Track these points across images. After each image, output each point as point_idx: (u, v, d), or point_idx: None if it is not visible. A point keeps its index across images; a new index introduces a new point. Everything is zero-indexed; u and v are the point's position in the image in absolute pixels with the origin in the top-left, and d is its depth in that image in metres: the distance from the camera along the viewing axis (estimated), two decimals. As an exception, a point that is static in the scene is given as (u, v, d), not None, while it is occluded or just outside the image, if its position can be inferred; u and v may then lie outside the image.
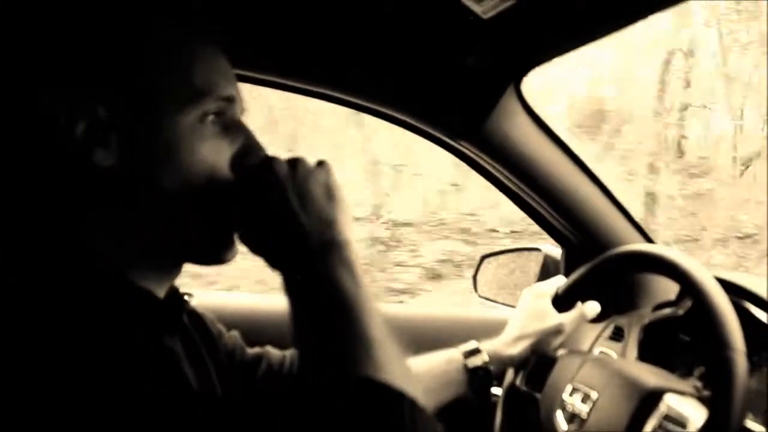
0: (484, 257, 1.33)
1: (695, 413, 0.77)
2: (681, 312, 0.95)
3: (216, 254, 0.61)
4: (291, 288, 0.56)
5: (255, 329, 0.86)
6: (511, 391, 1.02)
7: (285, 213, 0.57)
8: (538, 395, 0.98)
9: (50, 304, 0.48)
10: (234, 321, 0.82)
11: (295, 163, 0.59)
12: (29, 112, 0.53)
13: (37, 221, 0.55)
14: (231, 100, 0.59)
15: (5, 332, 0.46)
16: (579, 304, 0.99)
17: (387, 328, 0.53)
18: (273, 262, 0.58)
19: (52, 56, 0.53)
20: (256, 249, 0.59)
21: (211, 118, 0.57)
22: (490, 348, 0.95)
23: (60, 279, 0.51)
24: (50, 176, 0.54)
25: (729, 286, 0.85)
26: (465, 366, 0.93)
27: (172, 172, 0.55)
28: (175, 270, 0.62)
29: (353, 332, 0.51)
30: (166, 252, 0.59)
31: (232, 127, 0.60)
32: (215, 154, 0.57)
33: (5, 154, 0.55)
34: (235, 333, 0.81)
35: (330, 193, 0.59)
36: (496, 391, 1.05)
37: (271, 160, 0.59)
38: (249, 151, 0.60)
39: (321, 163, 0.62)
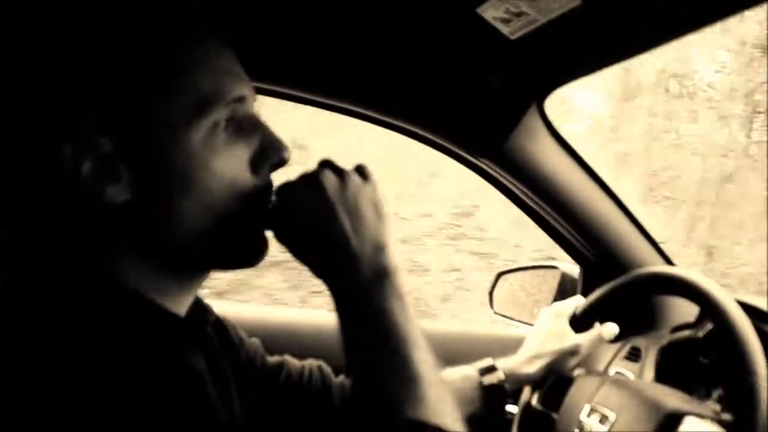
0: (500, 274, 1.33)
1: (715, 437, 0.76)
2: (700, 334, 0.95)
3: (246, 258, 0.59)
4: (342, 309, 0.54)
5: (273, 340, 0.86)
6: (528, 410, 1.02)
7: (336, 234, 0.55)
8: (554, 415, 0.98)
9: (69, 331, 0.47)
10: (252, 331, 0.82)
11: (343, 176, 0.57)
12: (32, 155, 0.51)
13: (53, 249, 0.54)
14: (242, 100, 0.56)
15: (25, 360, 0.45)
16: (597, 324, 0.99)
17: (433, 361, 0.52)
18: (320, 276, 0.57)
19: (47, 94, 0.50)
20: (301, 260, 0.57)
21: (222, 125, 0.54)
22: (506, 366, 0.95)
23: (79, 305, 0.50)
24: (64, 216, 0.52)
25: (750, 310, 0.85)
26: (480, 383, 0.92)
27: (190, 194, 0.53)
28: (200, 281, 0.61)
29: (405, 370, 0.50)
30: (188, 269, 0.58)
31: (247, 126, 0.57)
32: (232, 163, 0.55)
33: (17, 192, 0.53)
34: (255, 340, 0.81)
35: (379, 211, 0.58)
36: (512, 409, 1.05)
37: (317, 174, 0.57)
38: (268, 147, 0.57)
39: (364, 174, 0.59)
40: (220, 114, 0.54)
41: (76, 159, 0.50)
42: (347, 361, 0.53)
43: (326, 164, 0.59)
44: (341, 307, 0.55)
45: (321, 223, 0.56)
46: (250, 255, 0.59)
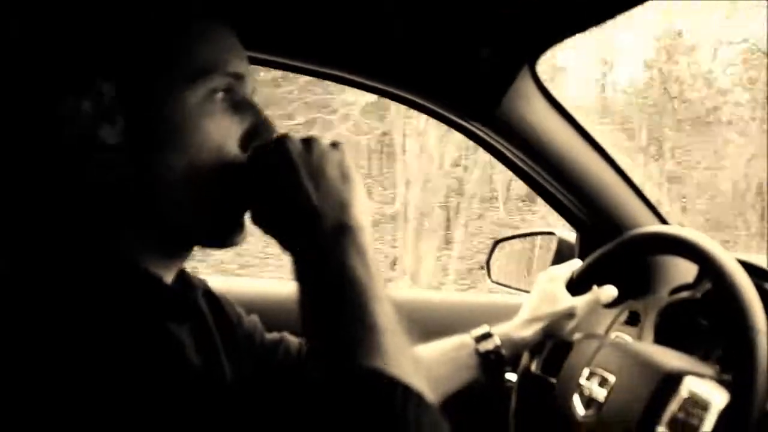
0: (497, 242, 1.32)
1: (716, 396, 0.75)
2: (699, 295, 0.94)
3: (225, 237, 0.60)
4: (301, 271, 0.54)
5: (273, 315, 0.85)
6: (526, 376, 1.01)
7: (298, 193, 0.55)
8: (553, 380, 0.97)
9: (51, 289, 0.47)
10: (252, 307, 0.81)
11: (309, 141, 0.58)
12: (34, 90, 0.53)
13: (40, 206, 0.55)
14: (240, 77, 0.58)
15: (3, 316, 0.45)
16: (594, 287, 0.98)
17: (397, 316, 0.51)
18: (284, 243, 0.56)
19: (57, 35, 0.53)
20: (267, 229, 0.57)
21: (219, 95, 0.56)
22: (501, 332, 0.94)
23: (63, 264, 0.50)
24: (55, 155, 0.54)
25: (750, 268, 0.84)
26: (477, 350, 0.92)
27: (179, 150, 0.54)
28: (183, 254, 0.61)
29: (362, 320, 0.49)
30: (173, 235, 0.58)
31: (242, 105, 0.59)
32: (224, 132, 0.56)
33: (11, 133, 0.54)
34: (254, 317, 0.81)
35: (345, 174, 0.57)
36: (511, 376, 1.04)
37: (284, 138, 0.57)
38: (259, 129, 0.59)
39: (335, 144, 0.60)
40: (218, 83, 0.56)
41: (77, 96, 0.52)
42: (302, 316, 0.52)
43: (285, 135, 0.59)
44: (300, 265, 0.54)
45: (284, 185, 0.55)
46: (226, 233, 0.60)
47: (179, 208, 0.56)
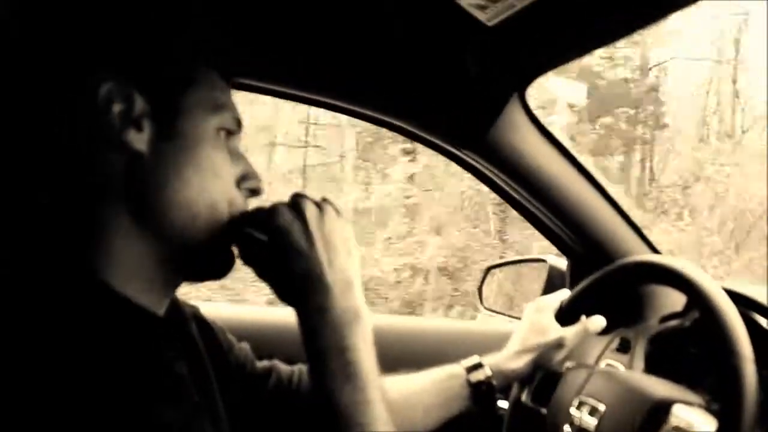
0: (489, 268, 1.32)
1: (704, 424, 0.75)
2: (688, 323, 0.95)
3: (217, 269, 0.62)
4: (311, 336, 0.59)
5: (263, 342, 0.85)
6: (517, 406, 1.01)
7: (314, 265, 0.59)
8: (544, 410, 0.97)
9: (46, 325, 0.47)
10: (242, 333, 0.81)
11: (322, 208, 0.61)
12: (69, 86, 0.54)
13: (39, 231, 0.55)
14: (239, 125, 0.62)
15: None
16: (583, 317, 0.98)
17: (382, 388, 0.59)
18: (286, 300, 0.60)
19: (98, 40, 0.55)
20: (270, 283, 0.61)
21: (223, 134, 0.60)
22: (492, 362, 0.95)
23: (58, 299, 0.50)
24: (70, 150, 0.54)
25: (737, 297, 0.84)
26: (468, 381, 0.92)
27: (192, 172, 0.56)
28: (177, 284, 0.62)
29: (358, 395, 0.57)
30: (170, 262, 0.58)
31: (234, 152, 0.62)
32: (226, 169, 0.60)
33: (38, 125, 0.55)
34: (245, 345, 0.81)
35: (349, 248, 0.61)
36: (503, 404, 1.04)
37: (301, 202, 0.61)
38: (249, 173, 0.63)
39: (336, 210, 0.63)
40: (226, 122, 0.60)
41: (109, 98, 0.54)
42: (312, 380, 0.59)
43: (303, 195, 0.63)
44: (310, 336, 0.59)
45: (300, 251, 0.59)
46: (220, 266, 0.62)
47: (182, 233, 0.57)
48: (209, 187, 0.58)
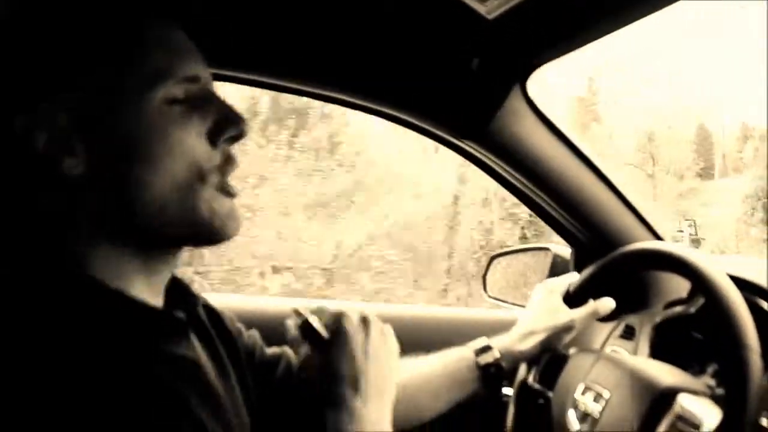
0: (493, 257, 1.32)
1: (709, 413, 0.76)
2: (693, 310, 0.95)
3: (218, 232, 0.57)
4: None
5: (271, 331, 0.85)
6: (523, 388, 1.01)
7: (356, 378, 0.64)
8: (550, 393, 0.97)
9: (45, 328, 0.47)
10: (251, 323, 0.81)
11: (386, 336, 0.68)
12: None
13: (16, 236, 0.53)
14: (196, 80, 0.56)
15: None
16: (591, 301, 0.98)
17: None
18: (317, 394, 0.66)
19: (2, 67, 0.51)
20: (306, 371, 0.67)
21: (175, 100, 0.54)
22: (500, 344, 0.95)
23: (50, 301, 0.49)
24: (20, 189, 0.52)
25: (742, 283, 0.84)
26: (477, 363, 0.92)
27: (147, 164, 0.52)
28: (170, 262, 0.60)
29: None
30: (157, 247, 0.57)
31: (201, 100, 0.56)
32: (188, 134, 0.55)
33: None
34: (254, 332, 0.81)
35: (393, 382, 0.67)
36: (508, 391, 1.05)
37: (370, 319, 0.67)
38: (225, 120, 0.57)
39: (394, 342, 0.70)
40: (174, 90, 0.54)
41: (29, 131, 0.50)
42: None
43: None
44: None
45: (353, 360, 0.65)
46: (220, 228, 0.57)
47: (160, 220, 0.54)
48: (172, 170, 0.53)
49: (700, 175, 11.53)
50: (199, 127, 0.56)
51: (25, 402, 0.42)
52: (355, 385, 0.64)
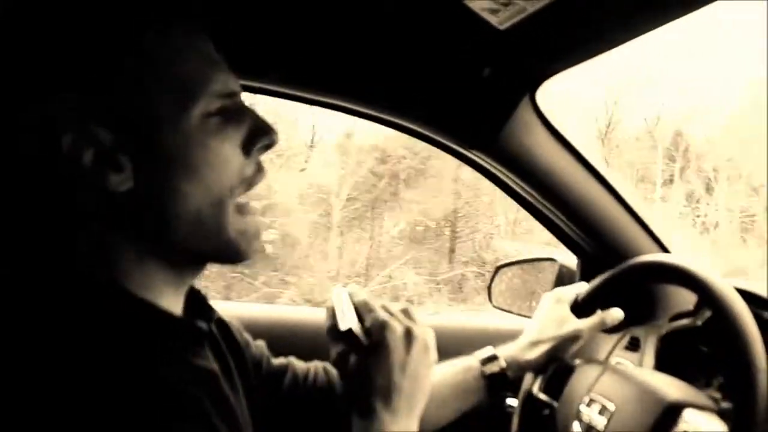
0: (498, 267, 1.32)
1: (715, 428, 0.75)
2: (699, 323, 0.94)
3: (242, 252, 0.59)
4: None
5: (277, 340, 0.85)
6: (529, 398, 1.01)
7: (392, 390, 0.63)
8: (555, 404, 0.97)
9: (69, 340, 0.47)
10: (256, 331, 0.81)
11: (428, 346, 0.66)
12: (31, 147, 0.51)
13: (48, 249, 0.53)
14: (232, 95, 0.58)
15: (18, 369, 0.44)
16: (599, 311, 0.98)
17: None
18: (348, 400, 0.65)
19: (43, 89, 0.51)
20: (343, 375, 0.66)
21: (214, 117, 0.55)
22: (507, 354, 0.94)
23: (78, 311, 0.50)
24: (62, 207, 0.53)
25: (749, 296, 0.84)
26: (482, 373, 0.92)
27: (190, 176, 0.54)
28: (193, 276, 0.61)
29: None
30: (185, 260, 0.58)
31: (235, 113, 0.58)
32: (225, 144, 0.56)
33: (17, 184, 0.53)
34: (261, 342, 0.81)
35: (426, 392, 0.66)
36: (512, 402, 1.04)
37: (414, 330, 0.65)
38: (257, 130, 0.59)
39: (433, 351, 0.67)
40: (211, 105, 0.55)
41: (76, 149, 0.51)
42: None
43: (415, 325, 0.67)
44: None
45: (390, 372, 0.63)
46: (247, 246, 0.59)
47: (193, 235, 0.55)
48: (210, 182, 0.54)
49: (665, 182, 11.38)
50: (235, 136, 0.57)
51: (45, 407, 0.43)
52: (387, 398, 0.63)
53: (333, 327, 0.66)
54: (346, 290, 0.69)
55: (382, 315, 0.66)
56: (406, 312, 0.69)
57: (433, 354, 0.68)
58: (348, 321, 0.65)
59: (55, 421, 0.42)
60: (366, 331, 0.65)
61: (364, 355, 0.64)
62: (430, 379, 0.67)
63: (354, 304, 0.67)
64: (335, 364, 0.67)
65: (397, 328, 0.65)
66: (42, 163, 0.51)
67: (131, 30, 0.53)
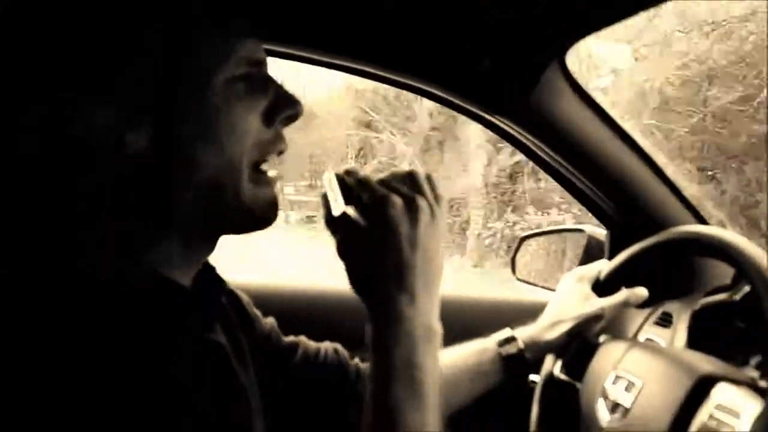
0: (523, 238, 1.29)
1: (749, 404, 0.72)
2: (737, 297, 0.90)
3: (259, 218, 0.58)
4: (379, 332, 0.58)
5: (287, 317, 0.84)
6: (550, 380, 0.98)
7: (407, 270, 0.57)
8: (578, 384, 0.94)
9: (81, 309, 0.46)
10: (267, 305, 0.81)
11: (435, 212, 0.60)
12: (35, 146, 0.50)
13: (60, 217, 0.53)
14: (257, 63, 0.57)
15: (34, 345, 0.44)
16: (623, 289, 0.94)
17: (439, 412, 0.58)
18: (362, 292, 0.60)
19: (70, 45, 0.50)
20: (351, 267, 0.60)
21: (239, 82, 0.54)
22: (525, 335, 0.92)
23: (90, 280, 0.49)
24: (79, 168, 0.51)
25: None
26: (500, 355, 0.90)
27: (208, 142, 0.52)
28: (208, 249, 0.60)
29: (418, 415, 0.56)
30: (200, 230, 0.57)
31: (259, 82, 0.57)
32: (246, 113, 0.55)
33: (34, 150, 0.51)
34: (271, 319, 0.80)
35: (441, 262, 0.60)
36: (535, 378, 1.02)
37: (418, 199, 0.59)
38: (280, 102, 0.58)
39: (437, 197, 0.61)
40: (236, 70, 0.54)
41: (94, 105, 0.49)
42: (373, 385, 0.58)
43: (421, 191, 0.60)
44: (381, 341, 0.58)
45: (400, 252, 0.57)
46: (263, 214, 0.58)
47: (211, 198, 0.54)
48: (226, 148, 0.53)
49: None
50: (257, 105, 0.56)
51: (56, 377, 0.42)
52: (400, 279, 0.57)
53: (328, 215, 0.60)
54: (333, 173, 0.61)
55: (380, 191, 0.59)
56: (411, 178, 0.61)
57: (443, 222, 0.61)
58: (340, 205, 0.59)
59: (64, 403, 0.42)
60: (364, 211, 0.59)
61: (366, 238, 0.58)
62: (442, 252, 0.61)
63: (349, 186, 0.60)
64: (339, 254, 0.61)
65: (397, 201, 0.58)
66: (43, 161, 0.50)
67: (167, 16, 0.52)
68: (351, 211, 0.59)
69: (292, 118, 0.59)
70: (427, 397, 0.56)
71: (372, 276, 0.59)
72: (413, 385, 0.56)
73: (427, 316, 0.58)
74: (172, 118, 0.52)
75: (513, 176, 9.03)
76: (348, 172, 0.61)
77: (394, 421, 0.55)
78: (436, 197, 0.61)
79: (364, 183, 0.60)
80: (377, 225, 0.58)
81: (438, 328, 0.60)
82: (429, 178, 0.62)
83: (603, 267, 0.98)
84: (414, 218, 0.58)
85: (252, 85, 0.56)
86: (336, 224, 0.60)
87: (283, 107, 0.58)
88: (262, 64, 0.58)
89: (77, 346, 0.44)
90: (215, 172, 0.53)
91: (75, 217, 0.52)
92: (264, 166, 0.57)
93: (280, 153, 0.59)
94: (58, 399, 0.41)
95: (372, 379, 0.58)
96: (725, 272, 0.95)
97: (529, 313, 0.97)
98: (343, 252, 0.60)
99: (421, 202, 0.59)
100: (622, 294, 0.94)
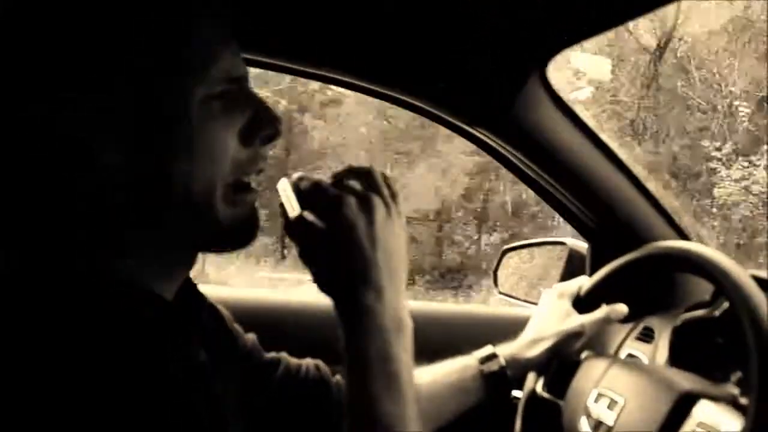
0: (505, 251, 1.28)
1: (730, 421, 0.71)
2: (717, 314, 0.90)
3: (239, 237, 0.57)
4: (350, 329, 0.58)
5: (268, 327, 0.82)
6: (532, 397, 0.97)
7: (369, 266, 0.57)
8: (560, 402, 0.93)
9: (80, 309, 0.46)
10: (246, 318, 0.79)
11: (390, 208, 0.60)
12: (35, 149, 0.49)
13: (42, 230, 0.52)
14: (236, 80, 0.55)
15: (32, 341, 0.44)
16: (603, 305, 0.94)
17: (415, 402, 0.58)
18: (329, 292, 0.59)
19: (49, 58, 0.49)
20: (314, 270, 0.59)
21: (216, 100, 0.53)
22: (506, 352, 0.92)
23: (70, 294, 0.48)
24: (57, 179, 0.50)
25: (765, 284, 0.79)
26: (481, 372, 0.89)
27: (182, 159, 0.51)
28: (190, 263, 0.59)
29: (395, 407, 0.56)
30: (180, 246, 0.56)
31: (240, 100, 0.56)
32: (223, 131, 0.53)
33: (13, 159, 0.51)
34: (252, 335, 0.79)
35: (404, 254, 0.60)
36: (518, 394, 1.01)
37: (371, 196, 0.58)
38: (259, 118, 0.56)
39: (393, 195, 0.61)
40: (214, 88, 0.52)
41: (74, 111, 0.49)
42: (349, 382, 0.58)
43: (375, 187, 0.60)
44: (353, 337, 0.57)
45: (361, 250, 0.57)
46: (239, 234, 0.57)
47: (186, 217, 0.53)
48: (204, 166, 0.52)
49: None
50: (234, 123, 0.55)
51: (45, 399, 0.42)
52: (365, 277, 0.57)
53: (285, 221, 0.59)
54: (287, 180, 0.61)
55: (333, 192, 0.58)
56: (367, 176, 0.61)
57: (400, 215, 0.61)
58: (296, 209, 0.59)
59: (54, 414, 0.41)
60: (320, 214, 0.58)
61: (325, 239, 0.58)
62: (404, 247, 0.61)
63: (303, 191, 0.60)
64: (302, 259, 0.60)
65: (350, 200, 0.57)
66: (43, 162, 0.49)
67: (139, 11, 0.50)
68: (308, 215, 0.59)
69: (272, 137, 0.58)
70: (404, 390, 0.56)
71: (336, 275, 0.58)
72: (389, 377, 0.56)
73: (395, 309, 0.58)
74: (143, 130, 0.50)
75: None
76: (301, 178, 0.61)
77: (373, 416, 0.55)
78: (392, 194, 0.61)
79: (317, 186, 0.59)
80: (334, 225, 0.57)
81: (408, 321, 0.59)
82: (384, 175, 0.62)
83: (583, 283, 0.97)
84: (369, 215, 0.58)
85: (229, 104, 0.54)
86: (295, 230, 0.59)
87: (262, 126, 0.56)
88: (242, 81, 0.56)
89: (69, 348, 0.44)
90: (190, 192, 0.52)
91: (75, 217, 0.51)
92: (245, 179, 0.56)
93: (260, 172, 0.58)
94: (37, 401, 0.41)
95: (348, 377, 0.57)
96: (705, 287, 0.94)
97: (512, 326, 0.96)
98: (305, 256, 0.59)
99: (375, 199, 0.59)
100: (602, 311, 0.93)
